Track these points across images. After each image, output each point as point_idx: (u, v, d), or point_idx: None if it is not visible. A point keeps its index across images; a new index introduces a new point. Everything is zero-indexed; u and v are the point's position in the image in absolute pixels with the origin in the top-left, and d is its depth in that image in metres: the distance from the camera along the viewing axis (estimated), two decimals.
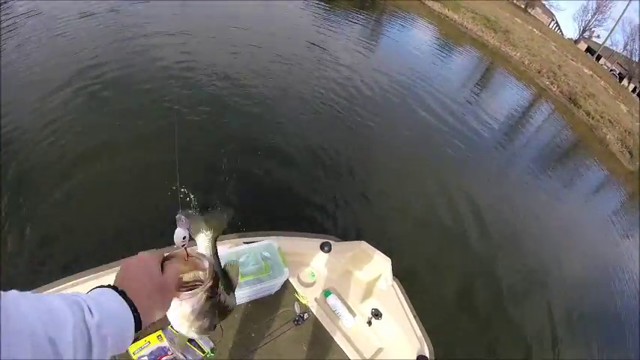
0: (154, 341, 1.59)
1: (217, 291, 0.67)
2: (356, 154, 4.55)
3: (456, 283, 3.57)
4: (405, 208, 4.13)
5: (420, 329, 1.94)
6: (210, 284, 0.64)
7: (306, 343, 1.75)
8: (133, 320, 0.54)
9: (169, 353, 1.58)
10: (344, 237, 2.18)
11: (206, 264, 0.66)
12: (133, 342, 1.56)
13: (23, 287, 0.46)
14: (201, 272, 0.67)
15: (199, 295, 0.62)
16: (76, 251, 2.45)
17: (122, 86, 4.02)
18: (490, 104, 9.05)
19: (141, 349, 1.57)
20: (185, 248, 0.67)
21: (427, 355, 1.84)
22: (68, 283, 1.54)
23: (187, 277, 0.66)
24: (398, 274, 2.17)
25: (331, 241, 1.96)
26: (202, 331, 0.68)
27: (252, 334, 1.70)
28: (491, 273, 3.89)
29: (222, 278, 0.74)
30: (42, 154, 3.00)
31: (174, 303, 0.63)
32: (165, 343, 1.60)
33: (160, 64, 4.66)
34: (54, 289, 1.51)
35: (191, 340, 1.63)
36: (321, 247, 1.92)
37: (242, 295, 1.66)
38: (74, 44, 4.46)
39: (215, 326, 0.72)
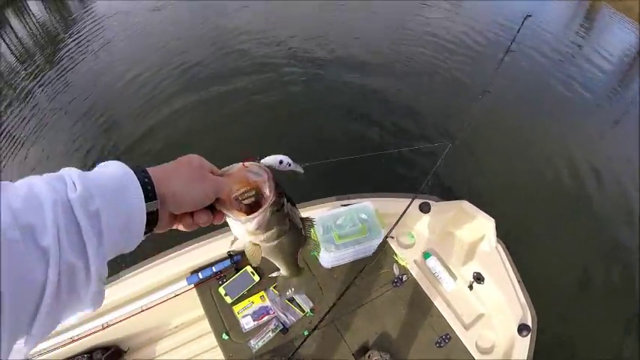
0: (257, 301, 1.61)
1: (283, 202, 0.57)
2: (453, 104, 4.04)
3: (565, 251, 3.06)
4: (509, 166, 3.56)
5: (524, 296, 1.70)
6: (273, 200, 0.54)
7: (404, 305, 1.63)
8: (139, 188, 0.40)
9: (271, 312, 1.59)
10: (444, 198, 1.94)
11: (265, 176, 0.55)
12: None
13: None
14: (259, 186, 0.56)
15: (264, 212, 0.53)
16: None
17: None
18: (597, 48, 7.38)
19: (245, 308, 1.59)
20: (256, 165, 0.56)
21: (530, 324, 1.61)
22: None
23: (244, 191, 0.56)
24: (502, 236, 1.91)
25: (430, 201, 1.75)
26: (272, 239, 0.59)
27: (350, 295, 1.62)
28: (608, 246, 3.25)
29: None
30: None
31: (238, 222, 0.53)
32: (267, 302, 1.60)
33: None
34: None
35: (292, 300, 1.61)
36: (420, 208, 1.72)
37: (340, 256, 1.56)
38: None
39: (296, 256, 0.68)
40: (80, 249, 0.34)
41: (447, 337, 1.62)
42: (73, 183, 0.36)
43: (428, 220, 1.72)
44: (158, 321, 1.88)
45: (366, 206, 1.60)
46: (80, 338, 1.67)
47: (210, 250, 1.66)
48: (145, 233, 0.43)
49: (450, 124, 3.63)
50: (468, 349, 1.62)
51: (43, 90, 4.06)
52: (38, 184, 0.34)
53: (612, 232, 3.29)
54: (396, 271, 1.67)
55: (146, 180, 0.41)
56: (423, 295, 1.65)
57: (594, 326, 2.67)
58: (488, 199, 2.92)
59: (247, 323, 1.57)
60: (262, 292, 1.61)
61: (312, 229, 0.69)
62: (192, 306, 1.65)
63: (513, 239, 2.46)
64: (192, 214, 0.50)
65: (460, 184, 3.15)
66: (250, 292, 1.62)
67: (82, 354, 1.75)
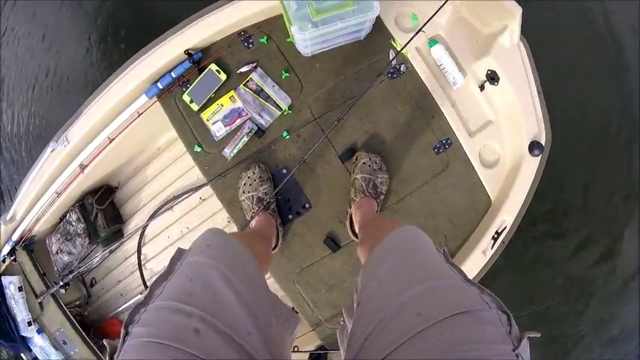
0: (226, 103, 1.29)
1: None
2: None
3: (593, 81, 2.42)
4: None
5: (542, 109, 1.35)
6: None
7: (400, 102, 1.30)
8: None
9: (244, 114, 1.28)
10: None
11: None
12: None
13: None
14: None
15: None
16: None
17: None
18: None
19: (214, 113, 1.29)
20: None
21: (543, 143, 1.31)
22: None
23: None
24: (526, 33, 1.44)
25: None
26: None
27: (335, 88, 1.28)
28: None
29: None
30: None
31: None
32: (239, 103, 1.29)
33: None
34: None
35: (266, 98, 1.29)
36: None
37: (321, 38, 1.17)
38: None
39: None
40: None
41: (447, 142, 1.34)
42: None
43: None
44: (135, 148, 1.65)
45: None
46: (65, 188, 1.46)
47: (165, 53, 1.28)
48: None
49: None
50: (470, 158, 1.35)
51: None
52: None
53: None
54: (391, 56, 1.28)
55: None
56: (424, 90, 1.31)
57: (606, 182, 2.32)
58: None
59: (218, 130, 1.30)
60: (232, 92, 1.28)
61: None
62: (164, 123, 1.37)
63: (538, 42, 1.96)
64: None
65: None
66: (218, 94, 1.30)
67: (73, 205, 1.58)
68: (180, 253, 0.61)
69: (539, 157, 1.34)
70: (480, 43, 1.37)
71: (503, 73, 1.34)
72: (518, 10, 1.29)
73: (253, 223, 1.20)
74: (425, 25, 1.15)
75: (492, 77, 1.36)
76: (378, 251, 0.68)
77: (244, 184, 1.23)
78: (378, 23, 1.27)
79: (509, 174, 1.39)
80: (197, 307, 0.46)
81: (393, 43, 1.28)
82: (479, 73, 1.36)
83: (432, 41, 1.30)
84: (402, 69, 1.29)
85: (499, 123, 1.40)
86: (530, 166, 1.34)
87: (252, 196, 1.20)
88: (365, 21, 1.15)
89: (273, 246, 1.22)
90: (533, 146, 1.32)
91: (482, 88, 1.38)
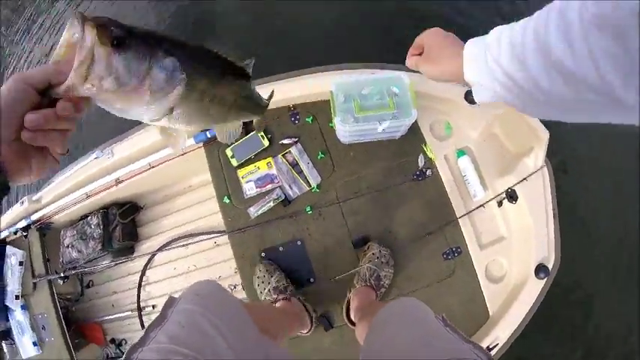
0: (263, 167, 1.40)
1: (118, 34, 0.40)
2: None
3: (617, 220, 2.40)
4: None
5: (555, 235, 1.37)
6: (91, 31, 0.38)
7: (420, 203, 1.36)
8: None
9: (276, 181, 1.38)
10: None
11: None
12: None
13: None
14: None
15: (91, 51, 0.38)
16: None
17: None
18: None
19: (250, 173, 1.40)
20: None
21: (550, 267, 1.32)
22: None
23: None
24: (552, 161, 1.51)
25: None
26: (162, 94, 0.45)
27: (363, 178, 1.37)
28: None
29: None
30: None
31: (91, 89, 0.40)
32: (274, 170, 1.39)
33: None
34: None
35: (300, 172, 1.38)
36: (466, 96, 1.35)
37: (360, 132, 1.27)
38: None
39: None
40: None
41: (457, 251, 1.37)
42: None
43: (472, 113, 1.35)
44: (170, 179, 1.76)
45: (400, 78, 1.24)
46: (95, 194, 1.57)
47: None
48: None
49: None
50: (476, 270, 1.37)
51: None
52: None
53: None
54: (421, 162, 1.37)
55: None
56: (445, 197, 1.37)
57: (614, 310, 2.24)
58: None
59: (250, 189, 1.39)
60: (270, 159, 1.39)
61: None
62: (202, 167, 1.48)
63: (563, 171, 1.98)
64: None
65: None
66: (257, 157, 1.41)
67: (97, 210, 1.68)
68: (171, 300, 0.67)
69: (544, 280, 1.35)
70: (505, 161, 1.45)
71: (523, 193, 1.40)
72: (545, 134, 1.37)
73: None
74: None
75: (511, 196, 1.42)
76: (380, 318, 0.74)
77: (257, 285, 1.28)
78: (414, 126, 1.37)
79: (511, 292, 1.39)
80: (192, 349, 0.53)
81: (424, 147, 1.38)
82: (499, 190, 1.42)
83: (461, 152, 1.39)
84: (427, 173, 1.37)
85: (511, 240, 1.43)
86: (534, 288, 1.34)
87: (269, 289, 1.25)
88: (402, 125, 1.26)
89: (305, 329, 1.23)
90: (540, 269, 1.32)
91: (500, 204, 1.43)
